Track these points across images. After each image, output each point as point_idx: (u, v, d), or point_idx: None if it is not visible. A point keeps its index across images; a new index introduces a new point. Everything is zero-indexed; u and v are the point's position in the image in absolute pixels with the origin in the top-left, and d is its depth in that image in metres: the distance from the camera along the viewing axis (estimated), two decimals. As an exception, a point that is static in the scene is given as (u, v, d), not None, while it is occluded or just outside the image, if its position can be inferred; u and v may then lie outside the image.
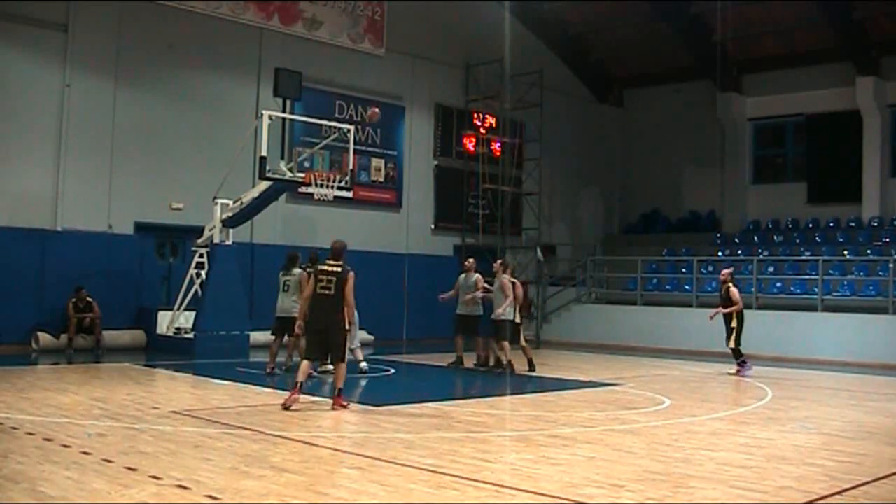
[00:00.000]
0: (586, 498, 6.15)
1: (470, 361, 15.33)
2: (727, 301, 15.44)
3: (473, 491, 6.27)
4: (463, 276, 15.43)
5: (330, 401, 9.98)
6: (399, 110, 22.95)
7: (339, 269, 10.03)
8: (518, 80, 23.54)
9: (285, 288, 13.62)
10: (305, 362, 10.22)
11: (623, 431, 9.06)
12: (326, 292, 9.93)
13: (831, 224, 24.48)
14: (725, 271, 15.98)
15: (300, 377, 9.97)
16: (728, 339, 15.46)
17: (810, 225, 24.79)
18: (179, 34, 18.81)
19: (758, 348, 20.04)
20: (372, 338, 19.43)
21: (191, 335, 16.58)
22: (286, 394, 11.22)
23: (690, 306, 21.95)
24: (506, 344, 14.53)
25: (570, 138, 26.72)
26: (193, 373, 13.75)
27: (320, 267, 10.13)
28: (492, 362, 15.05)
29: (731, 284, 15.53)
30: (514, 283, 14.98)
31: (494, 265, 15.33)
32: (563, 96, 26.18)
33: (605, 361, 17.96)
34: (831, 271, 21.41)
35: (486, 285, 15.15)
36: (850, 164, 23.96)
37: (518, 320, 14.99)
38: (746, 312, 20.97)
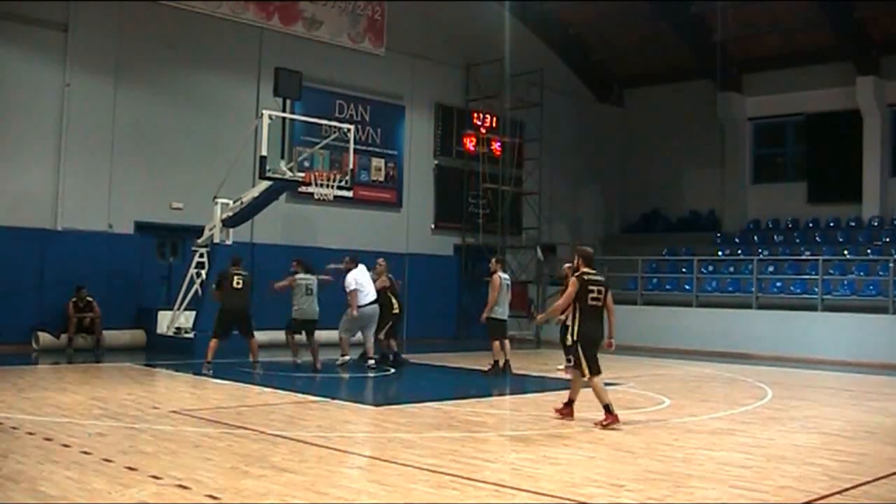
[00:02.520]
0: (586, 497, 6.15)
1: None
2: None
3: (473, 491, 6.27)
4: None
5: (332, 401, 9.92)
6: (399, 110, 22.95)
7: (603, 278, 9.61)
8: (518, 80, 23.52)
9: (308, 292, 14.12)
10: (599, 381, 9.30)
11: (623, 431, 9.06)
12: (598, 303, 9.37)
13: (831, 224, 24.47)
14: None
15: (608, 398, 9.18)
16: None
17: (810, 224, 24.78)
18: (179, 34, 18.81)
19: (758, 348, 20.11)
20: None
21: (191, 335, 16.57)
22: (286, 393, 11.23)
23: (690, 306, 21.96)
24: (496, 344, 14.50)
25: (570, 138, 26.71)
26: (193, 373, 13.74)
27: (588, 277, 9.38)
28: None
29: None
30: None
31: (491, 263, 15.05)
32: (563, 96, 26.17)
33: (605, 361, 17.86)
34: (831, 271, 21.42)
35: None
36: (850, 163, 23.94)
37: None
38: (747, 312, 21.31)
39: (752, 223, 26.02)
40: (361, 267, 14.57)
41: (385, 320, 14.90)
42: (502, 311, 14.59)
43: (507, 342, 14.58)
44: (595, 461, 7.47)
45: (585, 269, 9.46)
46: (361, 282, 14.35)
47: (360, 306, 14.21)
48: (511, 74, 23.21)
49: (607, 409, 9.12)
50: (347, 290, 14.23)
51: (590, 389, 9.42)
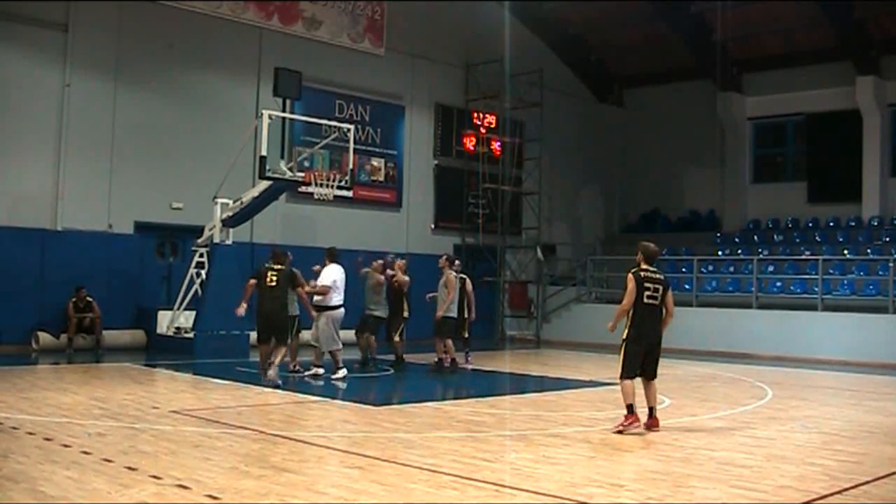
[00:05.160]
0: (586, 497, 6.15)
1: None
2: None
3: (473, 490, 6.27)
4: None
5: (332, 401, 9.90)
6: (399, 110, 22.95)
7: (662, 276, 9.04)
8: (518, 80, 23.53)
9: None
10: (629, 383, 8.86)
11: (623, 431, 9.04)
12: (654, 302, 8.88)
13: (831, 223, 24.47)
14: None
15: (632, 399, 8.78)
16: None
17: (810, 224, 24.79)
18: (179, 34, 18.81)
19: (758, 348, 20.11)
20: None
21: (191, 335, 16.58)
22: (285, 394, 11.23)
23: (690, 306, 21.93)
24: (449, 342, 14.55)
25: (570, 138, 26.71)
26: (193, 373, 13.75)
27: (645, 273, 8.91)
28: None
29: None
30: (463, 280, 15.19)
31: (440, 261, 15.13)
32: (563, 96, 26.17)
33: (605, 361, 17.93)
34: (831, 271, 21.41)
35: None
36: (850, 163, 23.94)
37: (464, 316, 15.04)
38: (747, 312, 21.31)
39: (752, 223, 26.02)
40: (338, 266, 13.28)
41: (398, 321, 14.85)
42: (454, 310, 14.69)
43: (449, 341, 14.66)
44: (595, 461, 7.47)
45: (644, 266, 8.96)
46: (337, 280, 13.05)
47: (332, 307, 12.91)
48: (511, 74, 23.21)
49: (629, 409, 8.79)
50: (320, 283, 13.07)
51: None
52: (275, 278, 12.14)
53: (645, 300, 8.85)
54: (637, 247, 9.23)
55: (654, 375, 9.03)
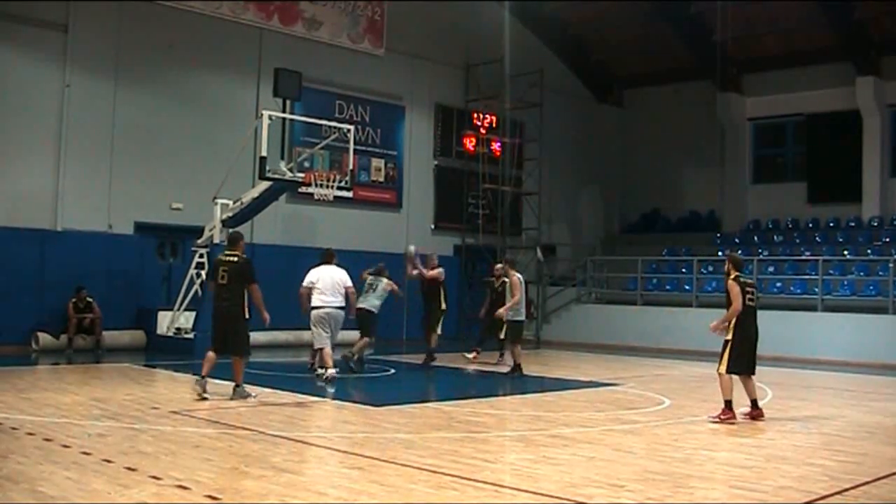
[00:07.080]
0: (586, 498, 6.15)
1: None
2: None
3: (473, 491, 6.27)
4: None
5: (332, 401, 9.81)
6: (399, 110, 22.95)
7: (752, 280, 10.41)
8: (518, 80, 23.51)
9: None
10: (729, 378, 9.86)
11: (623, 431, 9.07)
12: (753, 304, 9.97)
13: (831, 224, 24.47)
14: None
15: (730, 395, 9.79)
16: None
17: (810, 225, 24.78)
18: (179, 34, 18.81)
19: (757, 348, 20.08)
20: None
21: (191, 335, 16.58)
22: (285, 394, 11.23)
23: (690, 306, 21.95)
24: (518, 347, 14.56)
25: (570, 138, 26.70)
26: (193, 373, 13.60)
27: (744, 280, 10.02)
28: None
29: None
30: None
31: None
32: (563, 96, 26.15)
33: (605, 361, 17.96)
34: (831, 271, 21.41)
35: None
36: (850, 163, 23.93)
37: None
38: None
39: (752, 223, 26.01)
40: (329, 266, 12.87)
41: (437, 314, 15.27)
42: (522, 313, 14.83)
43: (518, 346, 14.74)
44: (595, 461, 7.47)
45: (737, 274, 10.01)
46: (315, 281, 12.67)
47: (312, 307, 12.56)
48: (511, 74, 23.21)
49: (727, 404, 9.70)
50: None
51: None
52: (225, 274, 10.46)
53: (747, 303, 9.82)
54: (727, 258, 10.34)
55: (754, 371, 9.99)
